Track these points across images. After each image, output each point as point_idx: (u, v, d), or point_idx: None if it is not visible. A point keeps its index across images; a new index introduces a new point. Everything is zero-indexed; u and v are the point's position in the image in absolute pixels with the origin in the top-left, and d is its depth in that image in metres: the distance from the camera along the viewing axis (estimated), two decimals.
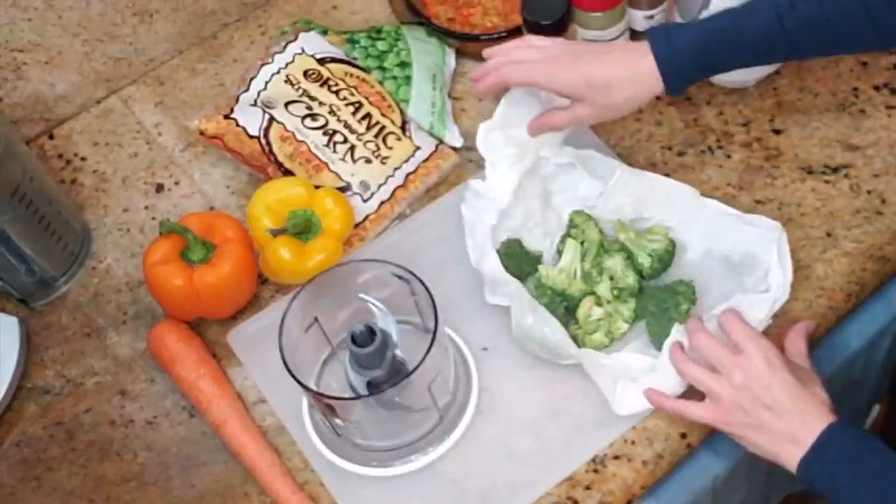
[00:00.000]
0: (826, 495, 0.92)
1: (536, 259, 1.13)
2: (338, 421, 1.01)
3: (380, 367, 0.99)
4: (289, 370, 0.97)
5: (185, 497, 1.06)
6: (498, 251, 1.12)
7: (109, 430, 1.11)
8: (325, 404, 0.99)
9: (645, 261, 1.09)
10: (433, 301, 0.98)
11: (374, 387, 0.99)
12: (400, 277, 1.01)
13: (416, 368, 0.95)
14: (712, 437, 1.05)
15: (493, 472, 1.03)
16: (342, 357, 1.03)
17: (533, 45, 1.08)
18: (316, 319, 1.04)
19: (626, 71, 1.02)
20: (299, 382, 0.97)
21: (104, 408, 1.13)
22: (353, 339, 0.97)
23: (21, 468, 1.10)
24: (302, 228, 1.12)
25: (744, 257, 1.09)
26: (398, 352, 1.01)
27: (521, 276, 1.10)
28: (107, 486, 1.08)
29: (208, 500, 1.06)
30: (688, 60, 1.02)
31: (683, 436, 1.04)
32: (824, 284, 1.11)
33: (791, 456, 0.93)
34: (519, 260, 1.11)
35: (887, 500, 0.88)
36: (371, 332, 0.97)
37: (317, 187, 1.15)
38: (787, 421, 0.93)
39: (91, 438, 1.11)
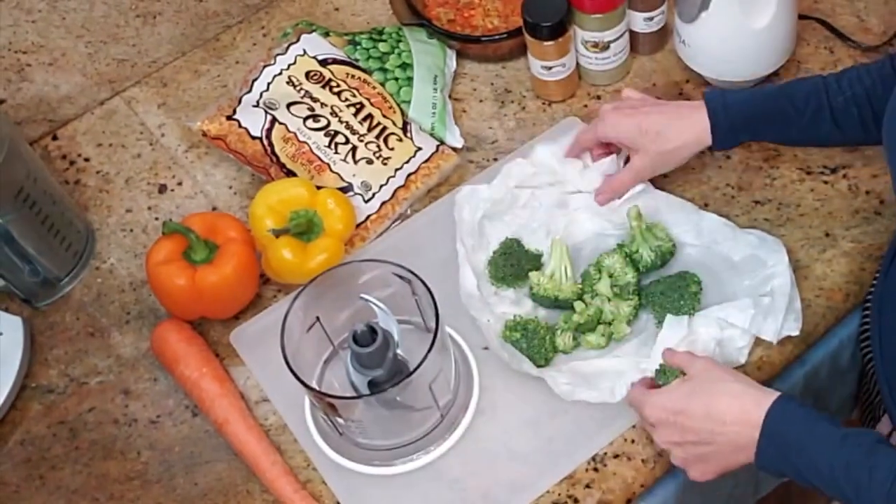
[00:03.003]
0: (794, 479, 0.93)
1: (537, 258, 1.13)
2: (339, 420, 1.02)
3: (381, 366, 0.99)
4: (291, 369, 0.97)
5: (188, 495, 1.06)
6: (496, 251, 1.13)
7: (113, 429, 1.12)
8: (326, 403, 0.99)
9: (647, 254, 1.10)
10: (434, 301, 0.98)
11: (375, 386, 0.99)
12: (401, 277, 1.01)
13: (417, 368, 0.96)
14: None
15: (494, 470, 1.03)
16: (344, 356, 1.04)
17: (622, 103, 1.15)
18: (318, 319, 1.04)
19: (679, 121, 1.10)
20: (301, 381, 0.97)
21: (107, 407, 1.13)
22: (355, 339, 0.98)
23: (25, 467, 1.10)
24: (304, 229, 1.13)
25: (744, 258, 1.09)
26: (399, 351, 1.01)
27: (522, 275, 1.11)
28: (110, 484, 1.08)
29: (211, 498, 1.06)
30: (737, 119, 1.08)
31: None
32: (823, 284, 1.11)
33: (746, 460, 0.94)
34: (518, 258, 1.11)
35: (837, 469, 0.89)
36: (372, 331, 0.98)
37: (319, 188, 1.16)
38: (722, 440, 0.93)
39: (94, 437, 1.11)
